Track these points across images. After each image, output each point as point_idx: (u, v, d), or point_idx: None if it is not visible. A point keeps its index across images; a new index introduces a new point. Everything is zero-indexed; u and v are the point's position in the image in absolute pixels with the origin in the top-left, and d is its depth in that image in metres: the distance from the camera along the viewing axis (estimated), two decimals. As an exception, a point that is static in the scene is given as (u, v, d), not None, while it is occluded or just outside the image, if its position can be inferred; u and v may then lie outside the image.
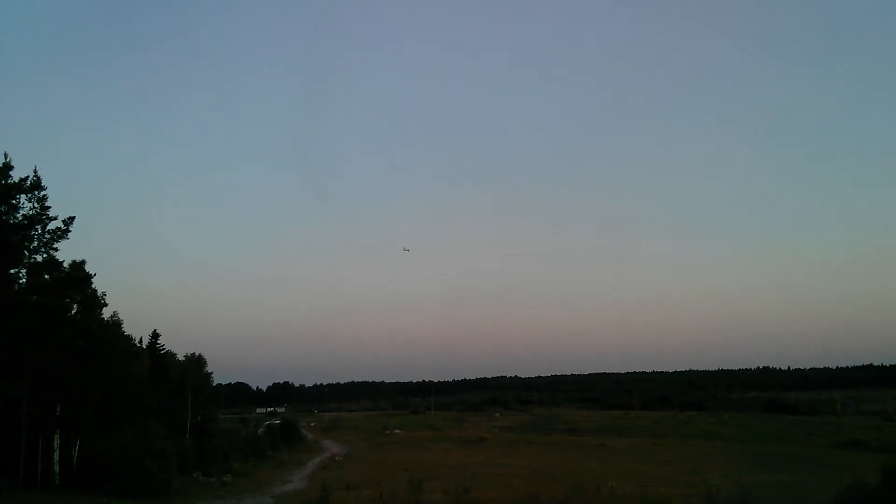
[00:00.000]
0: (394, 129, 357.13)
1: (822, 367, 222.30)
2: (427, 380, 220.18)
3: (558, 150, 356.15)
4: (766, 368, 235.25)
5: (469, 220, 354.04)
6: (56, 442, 36.84)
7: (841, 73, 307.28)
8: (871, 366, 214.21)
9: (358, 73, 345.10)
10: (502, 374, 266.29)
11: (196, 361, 62.58)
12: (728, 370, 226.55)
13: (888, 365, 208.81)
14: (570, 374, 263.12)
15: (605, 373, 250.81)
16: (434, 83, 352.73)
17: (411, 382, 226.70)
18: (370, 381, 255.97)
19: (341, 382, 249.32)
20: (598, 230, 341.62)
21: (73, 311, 38.40)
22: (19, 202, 34.19)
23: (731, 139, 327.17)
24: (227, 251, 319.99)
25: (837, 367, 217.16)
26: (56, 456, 36.72)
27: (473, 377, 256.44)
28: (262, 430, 79.24)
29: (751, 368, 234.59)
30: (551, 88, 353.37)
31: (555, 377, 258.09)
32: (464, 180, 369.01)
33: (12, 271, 34.71)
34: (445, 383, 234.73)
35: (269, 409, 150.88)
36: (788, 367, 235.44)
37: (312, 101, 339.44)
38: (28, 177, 34.33)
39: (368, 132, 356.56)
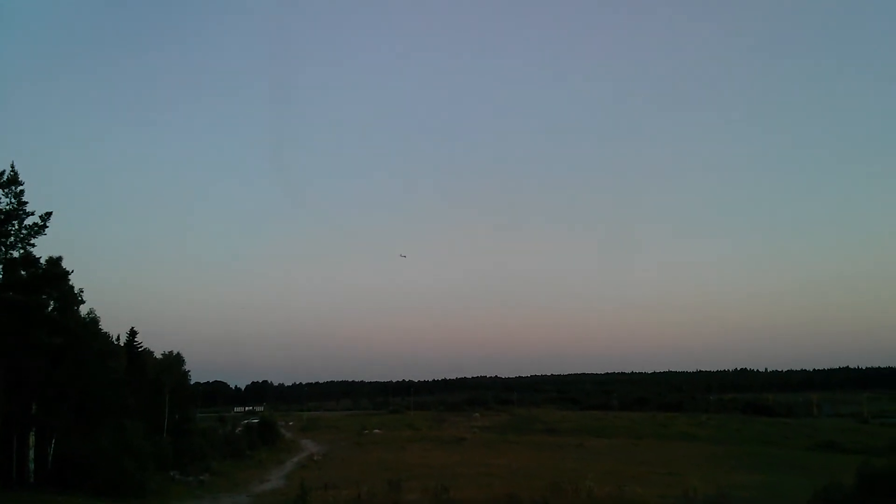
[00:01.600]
0: (386, 132, 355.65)
1: (799, 369, 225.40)
2: (407, 379, 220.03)
3: (545, 151, 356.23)
4: (743, 370, 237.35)
5: (453, 222, 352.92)
6: (31, 440, 36.29)
7: (838, 76, 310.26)
8: (847, 368, 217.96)
9: (350, 75, 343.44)
10: (482, 374, 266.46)
11: (174, 360, 62.10)
12: (706, 371, 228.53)
13: (864, 367, 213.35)
14: (549, 374, 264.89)
15: (584, 373, 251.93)
16: (429, 84, 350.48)
17: (391, 382, 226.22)
18: (350, 380, 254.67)
19: (320, 381, 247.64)
20: (580, 234, 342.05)
21: (50, 308, 37.75)
22: (-4, 197, 33.66)
23: (708, 145, 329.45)
24: (205, 249, 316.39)
25: (814, 370, 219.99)
26: (31, 454, 36.19)
27: (454, 377, 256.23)
28: (240, 429, 78.63)
29: (729, 370, 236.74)
30: (548, 89, 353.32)
31: (534, 377, 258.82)
32: (452, 180, 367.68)
33: (-13, 267, 34.16)
34: (425, 383, 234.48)
35: (247, 408, 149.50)
36: (766, 369, 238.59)
37: (294, 103, 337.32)
38: (5, 171, 33.83)
39: (360, 135, 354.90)
